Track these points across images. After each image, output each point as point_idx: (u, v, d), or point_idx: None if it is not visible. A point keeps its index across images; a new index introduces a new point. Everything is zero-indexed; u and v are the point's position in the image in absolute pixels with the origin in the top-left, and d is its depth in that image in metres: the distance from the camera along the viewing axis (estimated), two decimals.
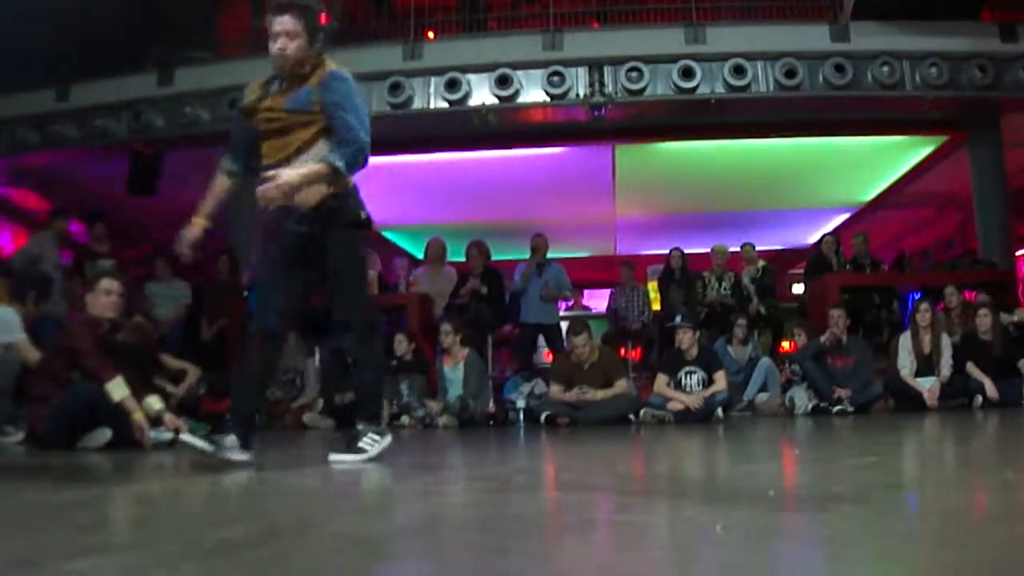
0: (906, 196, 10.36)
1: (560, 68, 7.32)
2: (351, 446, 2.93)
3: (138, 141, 7.92)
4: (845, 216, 11.44)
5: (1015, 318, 6.29)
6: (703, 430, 5.00)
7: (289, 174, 2.72)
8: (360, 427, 2.99)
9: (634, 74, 7.28)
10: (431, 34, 8.13)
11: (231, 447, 2.83)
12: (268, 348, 3.01)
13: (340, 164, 2.75)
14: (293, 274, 2.92)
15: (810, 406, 6.11)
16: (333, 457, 2.93)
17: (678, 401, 5.73)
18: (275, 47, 2.81)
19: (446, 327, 6.32)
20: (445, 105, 7.41)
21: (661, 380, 5.97)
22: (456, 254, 7.90)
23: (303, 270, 2.93)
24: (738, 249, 7.94)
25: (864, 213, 11.12)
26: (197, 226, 3.01)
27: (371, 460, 2.90)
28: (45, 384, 4.19)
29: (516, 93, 7.35)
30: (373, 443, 2.94)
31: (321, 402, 6.31)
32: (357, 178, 2.93)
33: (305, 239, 2.86)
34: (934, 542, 1.44)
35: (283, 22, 2.79)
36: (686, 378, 5.90)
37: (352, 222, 2.92)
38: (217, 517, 1.95)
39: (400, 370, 6.28)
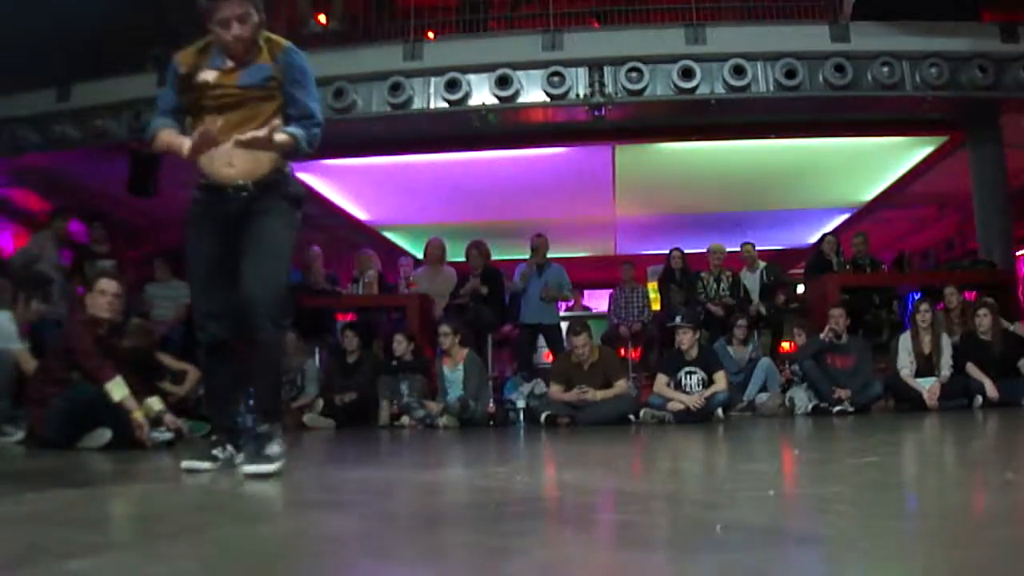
0: (906, 196, 10.34)
1: (560, 68, 7.31)
2: (261, 454, 2.62)
3: (138, 141, 7.91)
4: (845, 216, 11.42)
5: (1012, 328, 6.27)
6: (703, 430, 5.00)
7: (275, 135, 2.58)
8: (263, 429, 2.70)
9: (634, 74, 7.27)
10: (431, 34, 8.12)
11: (230, 456, 2.82)
12: (217, 359, 2.83)
13: (304, 143, 2.69)
14: (226, 269, 2.72)
15: (810, 406, 6.10)
16: (247, 469, 2.57)
17: (678, 401, 5.73)
18: (229, 35, 2.66)
19: (444, 328, 6.32)
20: (445, 105, 7.39)
21: (661, 380, 5.97)
22: (456, 254, 7.90)
23: (234, 260, 2.71)
24: (737, 249, 7.94)
25: (864, 213, 11.11)
26: (204, 132, 2.62)
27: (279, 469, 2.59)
28: (45, 385, 4.19)
29: (516, 93, 7.34)
30: (280, 446, 2.66)
31: (321, 402, 6.31)
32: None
33: (242, 213, 2.71)
34: (934, 542, 1.44)
35: (232, 7, 2.64)
36: (686, 378, 5.90)
37: (290, 195, 2.82)
38: (216, 517, 1.95)
39: (400, 370, 6.29)
